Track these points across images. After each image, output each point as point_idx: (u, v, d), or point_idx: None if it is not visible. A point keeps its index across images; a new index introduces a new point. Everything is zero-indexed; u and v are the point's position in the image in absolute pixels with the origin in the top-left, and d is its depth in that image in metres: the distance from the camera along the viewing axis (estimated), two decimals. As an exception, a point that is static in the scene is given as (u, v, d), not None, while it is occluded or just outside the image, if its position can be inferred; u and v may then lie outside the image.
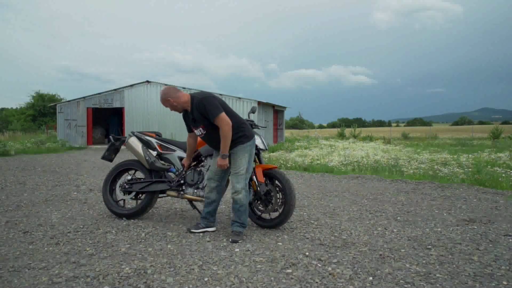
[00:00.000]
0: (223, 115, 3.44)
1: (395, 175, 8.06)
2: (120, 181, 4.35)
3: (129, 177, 4.32)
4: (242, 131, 3.58)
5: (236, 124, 3.54)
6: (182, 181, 4.07)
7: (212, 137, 3.59)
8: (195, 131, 3.69)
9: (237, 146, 3.57)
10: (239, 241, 3.47)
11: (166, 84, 18.52)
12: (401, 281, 2.61)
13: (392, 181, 7.31)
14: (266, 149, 4.15)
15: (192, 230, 3.76)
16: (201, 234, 3.69)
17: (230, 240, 3.49)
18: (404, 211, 4.77)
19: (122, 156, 5.95)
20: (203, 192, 3.93)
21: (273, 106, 21.04)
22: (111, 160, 4.51)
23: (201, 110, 3.48)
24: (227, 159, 3.52)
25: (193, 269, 2.79)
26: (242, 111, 17.23)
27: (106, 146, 4.52)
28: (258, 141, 4.02)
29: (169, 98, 3.59)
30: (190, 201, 4.14)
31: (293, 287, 2.50)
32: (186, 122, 3.78)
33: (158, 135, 4.35)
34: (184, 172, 4.06)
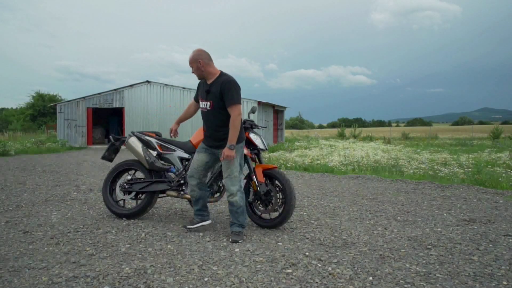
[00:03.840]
0: (240, 106, 3.42)
1: (395, 175, 8.05)
2: (120, 181, 4.35)
3: (129, 177, 4.32)
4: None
5: None
6: (182, 181, 4.08)
7: (213, 117, 3.52)
8: (202, 103, 3.60)
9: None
10: (240, 241, 3.47)
11: (166, 84, 18.56)
12: (401, 281, 2.61)
13: (392, 181, 7.30)
14: (266, 149, 4.15)
15: (188, 227, 3.78)
16: (201, 234, 3.69)
17: (230, 240, 3.49)
18: (404, 211, 4.77)
19: (122, 156, 5.95)
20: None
21: (273, 106, 21.04)
22: (111, 160, 4.51)
23: (224, 89, 3.40)
24: (234, 150, 3.43)
25: (193, 269, 2.79)
26: (242, 111, 17.16)
27: (106, 146, 4.53)
28: (258, 141, 4.02)
29: (200, 59, 3.49)
30: (190, 201, 4.14)
31: (293, 287, 2.50)
32: (198, 90, 3.72)
33: (158, 135, 4.35)
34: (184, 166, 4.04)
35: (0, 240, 3.49)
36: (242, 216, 3.58)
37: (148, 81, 18.87)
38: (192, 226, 3.77)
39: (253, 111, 4.31)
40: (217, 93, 3.43)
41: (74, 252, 3.16)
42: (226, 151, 3.39)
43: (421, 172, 8.24)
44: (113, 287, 2.49)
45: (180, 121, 4.06)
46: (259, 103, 17.58)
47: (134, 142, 4.20)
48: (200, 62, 3.49)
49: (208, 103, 3.51)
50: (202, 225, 3.79)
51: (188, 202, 4.38)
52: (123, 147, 4.37)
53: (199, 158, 3.69)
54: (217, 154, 3.63)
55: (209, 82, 3.54)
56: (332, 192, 6.10)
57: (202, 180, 3.76)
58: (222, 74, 3.53)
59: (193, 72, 3.58)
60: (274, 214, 3.96)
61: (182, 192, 4.07)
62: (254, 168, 3.89)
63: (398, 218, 4.41)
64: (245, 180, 4.02)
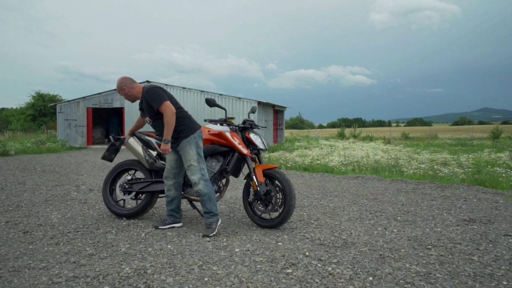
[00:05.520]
0: (168, 103, 3.58)
1: (395, 175, 8.05)
2: (120, 181, 4.35)
3: (129, 177, 4.32)
4: (184, 125, 3.69)
5: (178, 115, 3.64)
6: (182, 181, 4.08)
7: (158, 126, 3.74)
8: (145, 119, 3.86)
9: (181, 142, 3.68)
10: (210, 235, 3.55)
11: (166, 84, 18.57)
12: (401, 281, 2.61)
13: (392, 181, 7.30)
14: (266, 149, 4.15)
15: (159, 227, 3.86)
16: (201, 234, 3.69)
17: (201, 235, 3.58)
18: (404, 211, 4.77)
19: (122, 156, 5.95)
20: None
21: (273, 106, 21.04)
22: (111, 160, 4.51)
23: (148, 100, 3.65)
24: (170, 144, 3.61)
25: (193, 269, 2.79)
26: (242, 111, 17.23)
27: (106, 146, 4.52)
28: (258, 141, 4.03)
29: (124, 87, 3.76)
30: (190, 201, 4.15)
31: (293, 287, 2.50)
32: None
33: (158, 135, 4.35)
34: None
35: (0, 240, 3.49)
36: (209, 203, 3.65)
37: (148, 81, 18.87)
38: (163, 227, 3.87)
39: (253, 111, 4.31)
40: (147, 106, 3.68)
41: (74, 252, 3.16)
42: (162, 146, 3.61)
43: (421, 172, 8.24)
44: (113, 287, 2.49)
45: (132, 130, 4.26)
46: (259, 103, 17.58)
47: (134, 142, 4.20)
48: (125, 89, 3.77)
49: (147, 118, 3.78)
50: (173, 227, 3.90)
51: (188, 202, 4.39)
52: (123, 147, 4.37)
53: (170, 158, 3.85)
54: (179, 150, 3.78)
55: (139, 100, 3.81)
56: (332, 192, 6.10)
57: (178, 180, 3.89)
58: (143, 88, 3.75)
59: (125, 98, 3.87)
60: (274, 214, 3.96)
61: (182, 192, 4.07)
62: (254, 168, 3.89)
63: (398, 218, 4.41)
64: (245, 180, 4.03)
